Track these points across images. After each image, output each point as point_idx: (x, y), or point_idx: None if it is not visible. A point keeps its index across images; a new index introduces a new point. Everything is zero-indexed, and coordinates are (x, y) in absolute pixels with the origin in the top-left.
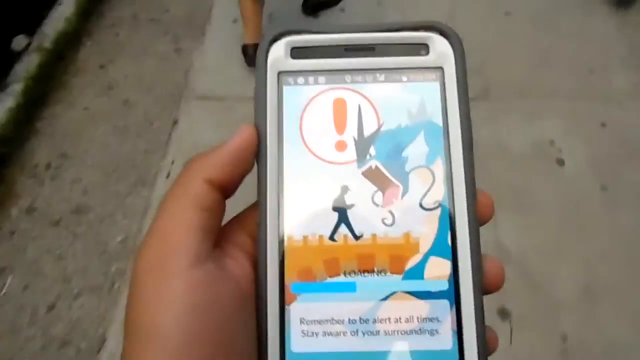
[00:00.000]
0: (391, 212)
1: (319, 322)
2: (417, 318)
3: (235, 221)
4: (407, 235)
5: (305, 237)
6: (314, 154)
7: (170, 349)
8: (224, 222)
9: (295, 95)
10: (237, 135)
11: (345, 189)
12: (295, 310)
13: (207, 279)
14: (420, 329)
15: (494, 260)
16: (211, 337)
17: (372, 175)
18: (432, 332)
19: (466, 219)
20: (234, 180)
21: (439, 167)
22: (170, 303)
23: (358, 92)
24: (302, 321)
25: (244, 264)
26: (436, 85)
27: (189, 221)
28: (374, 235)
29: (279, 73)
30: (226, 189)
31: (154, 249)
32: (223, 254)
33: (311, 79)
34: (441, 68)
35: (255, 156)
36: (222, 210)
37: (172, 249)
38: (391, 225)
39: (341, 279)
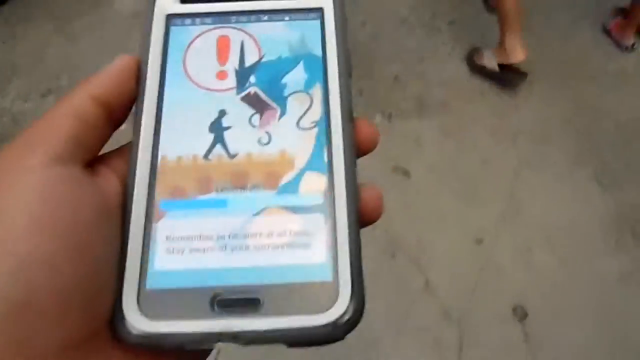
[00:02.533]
0: (268, 133)
1: (187, 238)
2: (290, 232)
3: (114, 151)
4: (282, 152)
5: (179, 157)
6: (194, 83)
7: (16, 233)
8: None
9: (181, 33)
10: (116, 61)
11: (222, 113)
12: (162, 227)
13: (67, 179)
14: (292, 243)
15: (373, 188)
16: (61, 233)
17: (251, 100)
18: (305, 246)
19: (341, 136)
20: (118, 102)
21: (317, 92)
22: (22, 192)
23: (242, 30)
24: (168, 238)
25: (115, 183)
26: (316, 23)
27: (60, 125)
28: (249, 154)
29: (167, 15)
30: (111, 109)
31: (17, 145)
32: (94, 170)
33: (198, 20)
34: (321, 8)
35: (136, 83)
36: (102, 129)
37: (34, 146)
38: (267, 144)
39: (212, 195)
